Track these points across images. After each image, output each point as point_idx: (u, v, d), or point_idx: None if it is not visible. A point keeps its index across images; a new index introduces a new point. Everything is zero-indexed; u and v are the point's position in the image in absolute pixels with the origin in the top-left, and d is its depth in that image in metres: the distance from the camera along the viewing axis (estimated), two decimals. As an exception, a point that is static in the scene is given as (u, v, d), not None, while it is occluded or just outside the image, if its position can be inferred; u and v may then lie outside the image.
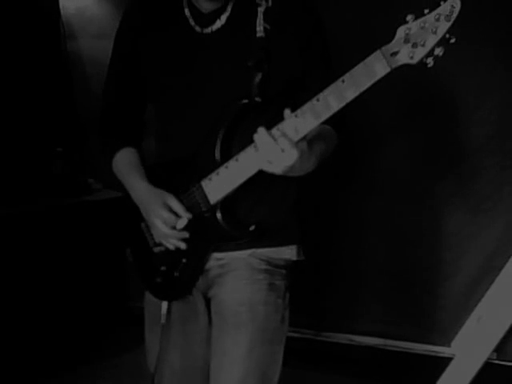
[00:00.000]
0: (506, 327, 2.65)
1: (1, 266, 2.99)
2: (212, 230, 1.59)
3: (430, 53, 1.28)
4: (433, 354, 2.91)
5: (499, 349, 2.72)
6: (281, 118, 1.43)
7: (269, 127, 1.43)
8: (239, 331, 1.58)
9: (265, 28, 1.54)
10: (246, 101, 1.52)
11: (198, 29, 1.61)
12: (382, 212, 2.95)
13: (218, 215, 1.56)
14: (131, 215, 1.72)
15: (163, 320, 1.68)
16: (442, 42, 1.26)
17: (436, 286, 2.88)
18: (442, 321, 2.89)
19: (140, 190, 1.66)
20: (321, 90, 1.39)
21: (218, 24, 1.59)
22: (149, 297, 1.75)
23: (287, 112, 1.42)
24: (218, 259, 1.64)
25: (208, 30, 1.60)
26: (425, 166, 2.83)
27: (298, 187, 1.65)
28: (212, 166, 1.55)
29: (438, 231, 2.86)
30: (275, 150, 1.41)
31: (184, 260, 1.65)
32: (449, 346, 2.88)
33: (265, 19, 1.55)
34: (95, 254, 3.34)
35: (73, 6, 3.65)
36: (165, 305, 1.69)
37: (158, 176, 1.67)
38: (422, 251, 2.89)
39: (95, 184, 3.45)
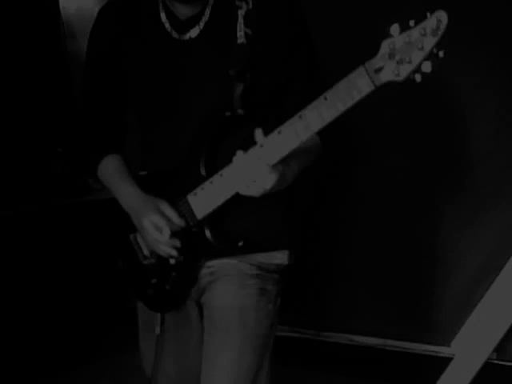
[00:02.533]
0: (506, 327, 2.65)
1: (1, 267, 2.99)
2: (200, 245, 1.55)
3: (417, 69, 1.22)
4: (433, 354, 2.91)
5: (499, 349, 2.72)
6: (265, 131, 1.38)
7: (252, 141, 1.39)
8: (229, 336, 1.56)
9: (246, 33, 1.47)
10: (228, 113, 1.46)
11: (175, 35, 1.54)
12: (382, 212, 2.95)
13: (207, 232, 1.53)
14: (120, 225, 1.68)
15: (158, 331, 1.65)
16: (430, 57, 1.20)
17: (436, 286, 2.88)
18: (442, 321, 2.89)
19: (131, 195, 1.61)
20: (304, 101, 1.34)
21: (197, 30, 1.52)
22: (141, 304, 1.72)
23: (258, 133, 1.38)
24: (208, 267, 1.61)
25: (186, 37, 1.53)
26: (424, 166, 2.83)
27: (290, 192, 1.61)
28: (197, 181, 1.51)
29: (437, 231, 2.86)
30: (252, 174, 1.38)
31: (174, 274, 1.61)
32: (449, 346, 2.87)
33: (246, 23, 1.48)
34: (95, 253, 3.34)
35: (73, 6, 3.65)
36: (158, 316, 1.66)
37: (144, 188, 1.62)
38: (422, 251, 2.89)
39: (95, 184, 3.45)
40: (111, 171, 1.68)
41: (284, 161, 1.40)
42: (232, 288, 1.59)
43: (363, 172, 2.96)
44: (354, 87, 1.26)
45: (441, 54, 1.20)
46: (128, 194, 1.62)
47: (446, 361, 2.75)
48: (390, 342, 3.01)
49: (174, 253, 1.54)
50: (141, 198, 1.59)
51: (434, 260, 2.88)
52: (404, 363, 2.96)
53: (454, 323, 2.86)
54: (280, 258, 1.63)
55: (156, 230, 1.53)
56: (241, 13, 1.48)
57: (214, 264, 1.60)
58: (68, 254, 3.31)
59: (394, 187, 2.90)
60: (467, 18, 2.42)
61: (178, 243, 1.54)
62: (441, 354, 2.88)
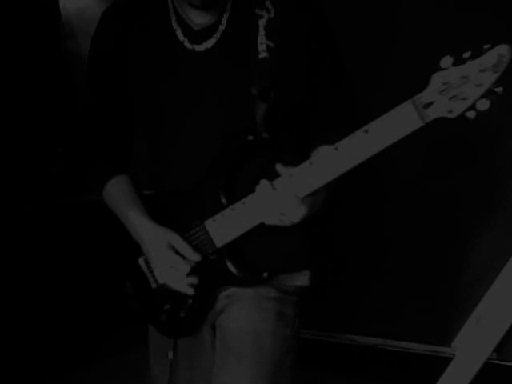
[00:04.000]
0: (506, 327, 2.65)
1: (1, 267, 2.99)
2: (219, 274, 1.44)
3: (472, 106, 1.12)
4: (433, 353, 2.91)
5: (499, 349, 2.72)
6: (289, 155, 1.30)
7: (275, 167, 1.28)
8: (242, 363, 1.47)
9: (268, 46, 1.33)
10: (251, 137, 1.34)
11: (188, 45, 1.39)
12: (382, 213, 2.95)
13: (229, 263, 1.42)
14: (129, 246, 1.55)
15: (170, 356, 1.56)
16: (487, 94, 1.10)
17: (436, 286, 2.88)
18: (442, 321, 2.89)
19: (141, 228, 1.47)
20: (329, 120, 1.25)
21: (213, 40, 1.37)
22: (153, 327, 1.63)
23: (280, 167, 1.28)
24: (225, 289, 1.50)
25: (201, 48, 1.38)
26: (426, 167, 2.83)
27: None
28: (216, 207, 1.39)
29: (437, 231, 2.86)
30: (280, 207, 1.28)
31: (190, 301, 1.50)
32: (449, 346, 2.87)
33: (267, 35, 1.34)
34: (95, 253, 3.34)
35: (73, 5, 3.65)
36: (171, 341, 1.57)
37: (156, 209, 1.50)
38: (422, 252, 2.89)
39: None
40: (117, 196, 1.55)
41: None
42: (248, 311, 1.48)
43: (373, 175, 2.94)
44: (400, 123, 1.16)
45: (499, 90, 1.11)
46: (137, 227, 1.49)
47: (446, 361, 2.75)
48: (389, 341, 3.01)
49: (191, 291, 1.44)
50: (151, 232, 1.46)
51: (434, 260, 2.87)
52: (404, 363, 2.96)
53: (454, 323, 2.86)
54: (301, 279, 1.53)
55: (170, 268, 1.42)
56: (262, 23, 1.35)
57: (232, 288, 1.50)
58: (68, 253, 3.31)
59: (395, 188, 2.90)
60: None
61: (195, 280, 1.43)
62: (441, 354, 2.88)
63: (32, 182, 3.32)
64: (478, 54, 1.10)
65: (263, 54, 1.33)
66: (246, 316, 1.49)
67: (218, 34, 1.37)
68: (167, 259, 1.42)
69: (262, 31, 1.34)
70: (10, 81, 3.32)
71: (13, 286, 3.06)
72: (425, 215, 2.87)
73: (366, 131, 1.20)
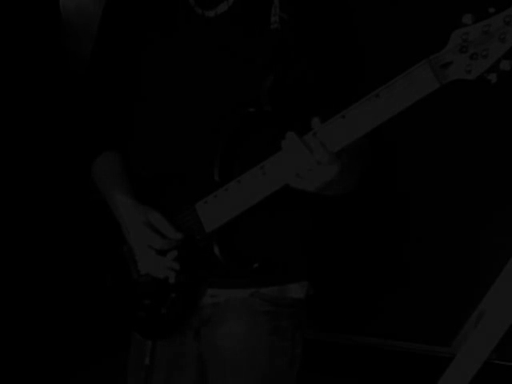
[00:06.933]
0: (506, 327, 2.65)
1: (1, 267, 2.99)
2: (207, 263, 1.36)
3: (494, 66, 1.02)
4: (433, 353, 2.91)
5: (499, 349, 2.72)
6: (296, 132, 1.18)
7: (279, 144, 1.19)
8: (239, 380, 1.41)
9: (281, 18, 1.27)
10: (252, 109, 1.26)
11: (198, 10, 1.33)
12: (381, 213, 2.95)
13: (216, 248, 1.32)
14: (112, 234, 1.47)
15: (147, 361, 1.44)
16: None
17: (436, 286, 2.88)
18: (442, 321, 2.89)
19: (122, 206, 1.39)
20: (345, 98, 1.15)
21: (225, 6, 1.32)
22: (134, 335, 1.53)
23: (316, 121, 1.17)
24: (212, 296, 1.41)
25: (211, 13, 1.32)
26: (427, 166, 2.83)
27: (313, 210, 1.43)
28: (209, 187, 1.30)
29: (437, 231, 2.86)
30: (308, 162, 1.15)
31: (173, 295, 1.40)
32: (449, 346, 2.88)
33: (282, 7, 1.27)
34: (96, 253, 3.34)
35: (73, 5, 3.65)
36: (149, 344, 1.45)
37: (145, 191, 1.41)
38: (422, 251, 2.89)
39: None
40: (105, 174, 1.47)
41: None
42: (240, 328, 1.40)
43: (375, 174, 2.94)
44: (414, 85, 1.07)
45: None
46: (119, 205, 1.40)
47: (446, 361, 2.75)
48: (390, 341, 3.01)
49: (172, 275, 1.35)
50: (130, 208, 1.37)
51: (434, 260, 2.88)
52: (404, 363, 2.97)
53: (454, 323, 2.86)
54: (299, 292, 1.46)
55: (149, 248, 1.34)
56: None
57: (220, 294, 1.41)
58: (69, 253, 3.31)
59: (398, 188, 2.90)
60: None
61: (177, 266, 1.34)
62: (441, 354, 2.88)
63: (31, 181, 3.32)
64: (504, 6, 1.00)
65: (275, 25, 1.27)
66: (238, 334, 1.41)
67: (230, 1, 1.32)
68: (144, 238, 1.34)
69: (276, 2, 1.28)
70: (9, 81, 3.32)
71: (12, 287, 3.06)
72: (424, 215, 2.88)
73: (378, 95, 1.11)
